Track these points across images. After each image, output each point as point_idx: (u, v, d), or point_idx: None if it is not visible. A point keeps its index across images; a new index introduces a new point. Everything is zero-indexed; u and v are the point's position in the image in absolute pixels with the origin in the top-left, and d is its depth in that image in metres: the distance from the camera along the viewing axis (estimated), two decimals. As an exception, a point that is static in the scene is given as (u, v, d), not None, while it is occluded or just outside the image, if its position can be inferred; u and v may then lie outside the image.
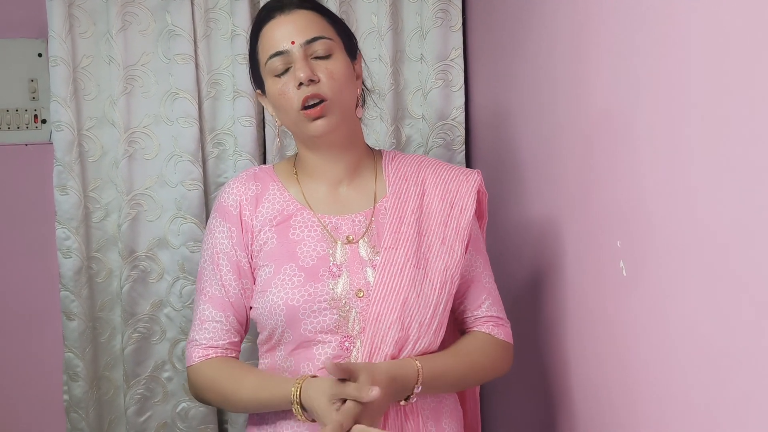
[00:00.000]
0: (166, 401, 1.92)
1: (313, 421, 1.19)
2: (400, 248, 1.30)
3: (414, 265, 1.29)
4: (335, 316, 1.26)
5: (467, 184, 1.37)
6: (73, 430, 1.88)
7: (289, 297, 1.26)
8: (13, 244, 1.98)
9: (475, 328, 1.39)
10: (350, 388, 1.14)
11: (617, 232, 1.18)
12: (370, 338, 1.25)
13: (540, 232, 1.55)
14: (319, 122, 1.27)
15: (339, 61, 1.30)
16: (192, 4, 1.86)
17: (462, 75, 1.99)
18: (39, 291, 1.98)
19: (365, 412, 1.15)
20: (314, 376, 1.23)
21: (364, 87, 1.39)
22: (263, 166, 1.44)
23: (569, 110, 1.37)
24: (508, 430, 1.84)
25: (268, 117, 1.91)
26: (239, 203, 1.35)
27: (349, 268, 1.28)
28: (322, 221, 1.33)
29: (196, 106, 1.87)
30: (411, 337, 1.27)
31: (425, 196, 1.36)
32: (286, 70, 1.28)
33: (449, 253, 1.32)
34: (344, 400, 1.15)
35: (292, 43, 1.27)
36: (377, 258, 1.29)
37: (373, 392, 1.13)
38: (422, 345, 1.27)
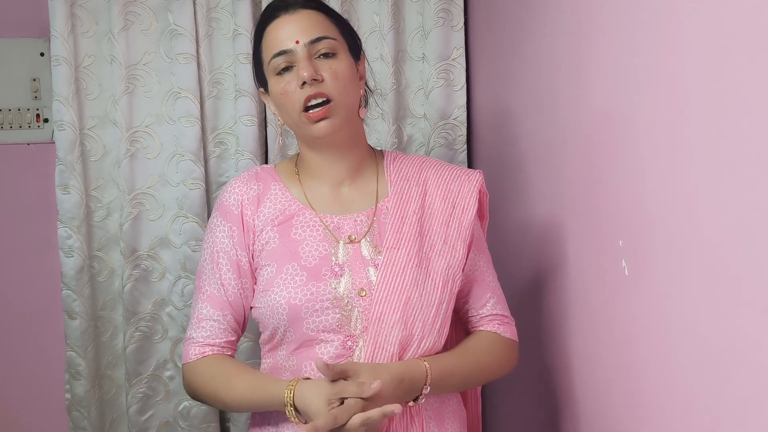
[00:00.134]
0: (167, 400, 1.93)
1: (306, 423, 1.18)
2: (402, 248, 1.30)
3: (416, 265, 1.29)
4: (338, 316, 1.26)
5: (469, 184, 1.38)
6: (75, 428, 1.88)
7: (291, 296, 1.26)
8: (15, 243, 1.98)
9: (481, 327, 1.39)
10: (351, 386, 1.15)
11: (619, 231, 1.18)
12: (373, 337, 1.25)
13: (542, 231, 1.55)
14: (322, 123, 1.27)
15: (343, 61, 1.30)
16: (194, 3, 1.86)
17: (464, 74, 1.99)
18: (41, 290, 1.98)
19: (368, 408, 1.15)
20: (307, 378, 1.22)
21: (366, 87, 1.39)
22: (265, 165, 1.44)
23: (570, 110, 1.37)
24: (510, 429, 1.84)
25: (269, 116, 1.91)
26: (241, 203, 1.35)
27: (352, 268, 1.29)
28: (324, 221, 1.33)
29: (198, 106, 1.87)
30: (415, 337, 1.27)
31: (427, 196, 1.37)
32: (290, 70, 1.29)
33: (451, 253, 1.32)
34: (342, 401, 1.15)
35: (297, 42, 1.27)
36: (379, 257, 1.30)
37: (374, 385, 1.13)
38: (427, 345, 1.28)
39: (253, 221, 1.34)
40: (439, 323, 1.29)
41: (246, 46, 1.84)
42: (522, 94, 1.65)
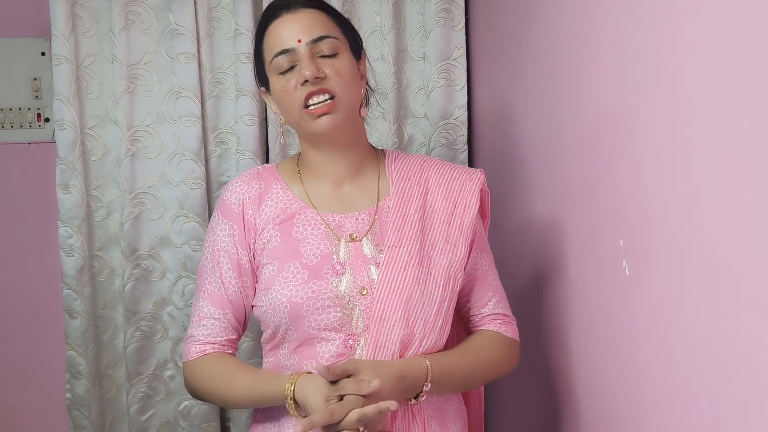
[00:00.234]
0: (168, 399, 1.93)
1: (305, 417, 1.19)
2: (404, 246, 1.30)
3: (417, 264, 1.29)
4: (339, 314, 1.26)
5: (470, 183, 1.38)
6: (75, 428, 1.88)
7: (292, 294, 1.26)
8: (16, 243, 1.98)
9: (482, 327, 1.39)
10: (350, 383, 1.15)
11: (620, 231, 1.18)
12: (375, 336, 1.25)
13: (542, 230, 1.55)
14: (324, 119, 1.27)
15: (345, 60, 1.30)
16: (195, 3, 1.86)
17: (464, 74, 1.99)
18: (41, 289, 1.98)
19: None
20: (309, 373, 1.23)
21: (367, 86, 1.40)
22: (266, 165, 1.44)
23: (572, 109, 1.37)
24: (511, 428, 1.84)
25: (270, 115, 1.91)
26: (242, 202, 1.35)
27: (353, 266, 1.29)
28: (325, 219, 1.33)
29: (199, 105, 1.88)
30: (416, 335, 1.27)
31: (428, 195, 1.37)
32: (292, 68, 1.29)
33: (453, 252, 1.32)
34: (341, 398, 1.15)
35: (299, 41, 1.28)
36: (381, 256, 1.30)
37: (374, 383, 1.13)
38: (428, 343, 1.28)
39: (255, 220, 1.34)
40: (440, 322, 1.29)
41: (247, 45, 1.84)
42: (523, 94, 1.65)
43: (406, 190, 1.36)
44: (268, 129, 1.93)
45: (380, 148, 1.47)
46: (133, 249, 1.87)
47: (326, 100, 1.26)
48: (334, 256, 1.29)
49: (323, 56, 1.29)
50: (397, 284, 1.27)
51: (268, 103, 1.41)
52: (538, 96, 1.56)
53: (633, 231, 1.14)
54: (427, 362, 1.25)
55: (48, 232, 1.94)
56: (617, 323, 1.22)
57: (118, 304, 1.92)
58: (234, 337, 1.35)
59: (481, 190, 1.39)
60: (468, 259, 1.36)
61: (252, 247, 1.34)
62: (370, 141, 1.44)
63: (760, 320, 0.83)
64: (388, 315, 1.26)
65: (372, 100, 1.45)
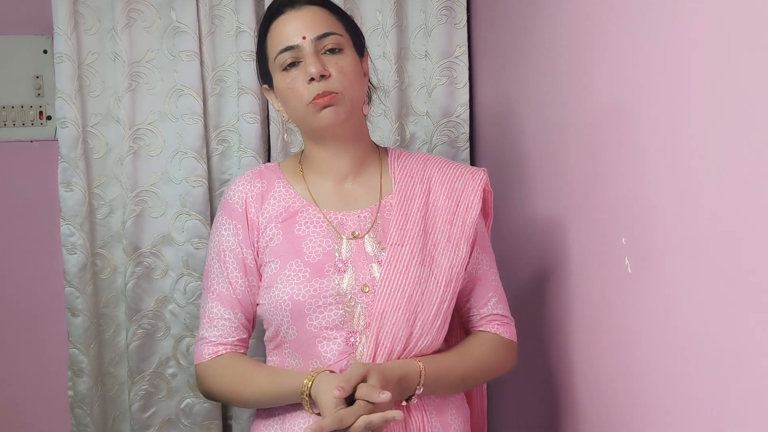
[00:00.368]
0: (170, 397, 1.93)
1: (318, 414, 1.20)
2: (406, 245, 1.30)
3: (419, 263, 1.29)
4: (341, 312, 1.26)
5: (473, 183, 1.38)
6: (77, 425, 1.88)
7: (294, 292, 1.26)
8: (18, 241, 1.98)
9: (481, 328, 1.39)
10: (361, 389, 1.15)
11: (622, 228, 1.18)
12: (375, 333, 1.25)
13: (545, 228, 1.55)
14: (327, 111, 1.27)
15: (349, 57, 1.30)
16: (197, 0, 1.86)
17: (466, 72, 1.98)
18: (44, 287, 1.99)
19: (374, 412, 1.15)
20: (332, 371, 1.23)
21: (370, 84, 1.40)
22: (268, 163, 1.44)
23: (574, 107, 1.37)
24: (513, 426, 1.84)
25: (272, 114, 1.91)
26: (245, 200, 1.35)
27: (355, 264, 1.29)
28: (327, 217, 1.33)
29: (201, 103, 1.88)
30: (414, 334, 1.27)
31: (431, 194, 1.37)
32: (296, 65, 1.29)
33: (455, 252, 1.32)
34: (350, 401, 1.15)
35: (303, 38, 1.28)
36: (383, 254, 1.30)
37: (384, 396, 1.13)
38: (425, 343, 1.28)
39: (258, 218, 1.34)
40: (439, 322, 1.29)
41: (249, 43, 1.84)
42: (525, 92, 1.65)
43: (409, 188, 1.36)
44: (270, 127, 1.93)
45: (382, 146, 1.47)
46: (135, 247, 1.88)
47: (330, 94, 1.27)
48: (336, 254, 1.29)
49: (327, 53, 1.29)
50: (399, 282, 1.27)
51: (270, 101, 1.41)
52: (540, 94, 1.56)
53: (635, 229, 1.14)
54: (421, 365, 1.25)
55: (50, 230, 1.94)
56: (619, 321, 1.21)
57: (120, 302, 1.92)
58: (245, 336, 1.36)
59: (484, 190, 1.39)
60: (469, 259, 1.36)
61: (256, 245, 1.34)
62: (372, 139, 1.44)
63: (763, 319, 0.83)
64: (389, 313, 1.26)
65: (374, 97, 1.45)
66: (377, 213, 1.34)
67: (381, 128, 1.97)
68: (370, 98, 1.40)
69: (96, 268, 1.88)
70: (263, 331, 1.38)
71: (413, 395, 1.25)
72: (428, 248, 1.32)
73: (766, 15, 0.79)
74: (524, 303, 1.63)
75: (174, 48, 1.87)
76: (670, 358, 1.05)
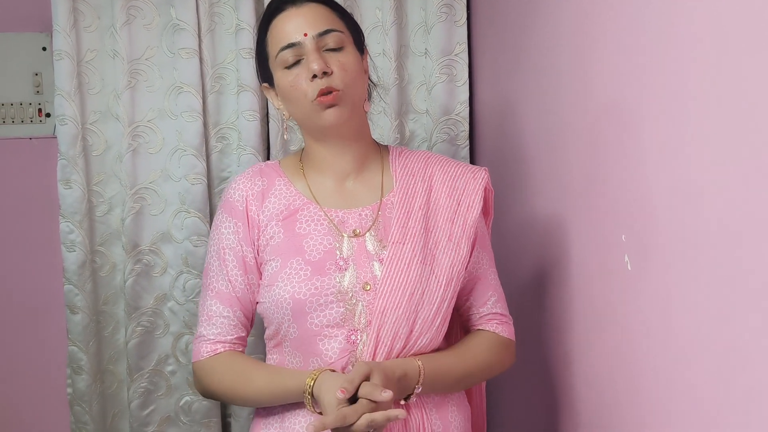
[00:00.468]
0: (169, 395, 1.93)
1: (320, 413, 1.19)
2: (408, 243, 1.30)
3: (421, 261, 1.29)
4: (342, 309, 1.26)
5: (474, 182, 1.37)
6: (76, 423, 1.88)
7: (295, 290, 1.26)
8: (17, 238, 1.98)
9: (479, 327, 1.39)
10: (364, 387, 1.15)
11: (622, 226, 1.18)
12: (376, 331, 1.25)
13: (544, 226, 1.55)
14: (331, 111, 1.27)
15: (350, 54, 1.30)
16: (196, -2, 1.86)
17: (466, 70, 1.98)
18: (43, 284, 1.98)
19: (375, 411, 1.15)
20: (333, 370, 1.23)
21: (370, 81, 1.39)
22: (269, 161, 1.44)
23: (574, 105, 1.37)
24: (513, 424, 1.84)
25: (272, 111, 1.91)
26: (245, 199, 1.35)
27: (356, 262, 1.29)
28: (328, 215, 1.33)
29: (200, 101, 1.87)
30: (414, 333, 1.27)
31: (432, 193, 1.36)
32: (297, 63, 1.28)
33: (455, 250, 1.32)
34: (352, 399, 1.15)
35: (305, 35, 1.27)
36: (384, 252, 1.30)
37: (386, 394, 1.13)
38: (424, 341, 1.28)
39: (258, 216, 1.34)
40: (439, 321, 1.29)
41: (248, 40, 1.84)
42: (525, 90, 1.65)
43: (410, 186, 1.36)
44: (270, 125, 1.93)
45: (383, 144, 1.47)
46: (135, 244, 1.87)
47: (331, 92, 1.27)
48: (338, 252, 1.29)
49: (329, 50, 1.28)
50: (401, 281, 1.27)
51: (269, 99, 1.41)
52: (540, 92, 1.56)
53: (635, 226, 1.14)
54: (420, 364, 1.25)
55: (49, 227, 1.94)
56: (619, 318, 1.22)
57: (119, 300, 1.92)
58: (243, 334, 1.35)
59: (485, 189, 1.39)
60: (470, 258, 1.36)
61: (256, 243, 1.34)
62: (372, 137, 1.44)
63: (764, 317, 0.83)
64: (389, 311, 1.26)
65: (374, 94, 1.45)
66: (378, 211, 1.34)
67: (380, 126, 1.97)
68: (370, 95, 1.40)
69: (95, 265, 1.88)
70: (263, 329, 1.38)
71: (412, 394, 1.25)
72: (429, 247, 1.31)
73: (766, 13, 0.79)
74: (524, 301, 1.63)
75: (173, 45, 1.86)
76: (669, 356, 1.05)
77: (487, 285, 1.40)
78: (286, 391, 1.24)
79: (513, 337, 1.41)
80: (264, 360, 1.40)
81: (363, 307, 1.26)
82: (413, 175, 1.38)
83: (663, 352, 1.07)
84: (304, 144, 1.40)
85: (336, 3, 1.36)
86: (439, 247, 1.32)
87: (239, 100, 1.89)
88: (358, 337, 1.26)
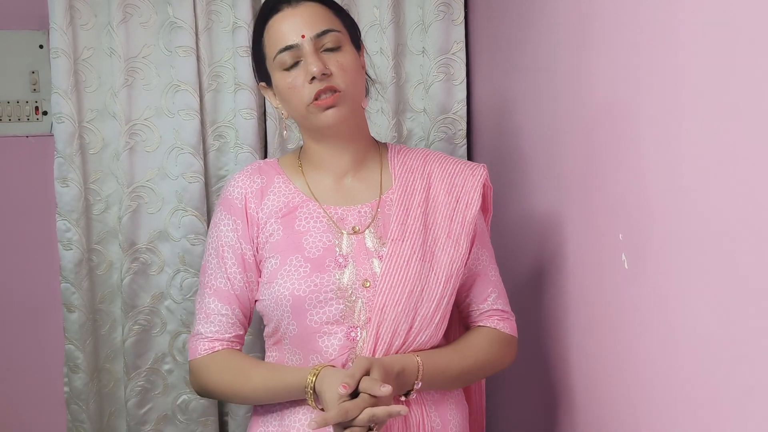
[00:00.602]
0: (166, 393, 1.93)
1: (322, 409, 1.19)
2: (407, 240, 1.30)
3: (420, 258, 1.29)
4: (341, 306, 1.26)
5: (473, 179, 1.37)
6: (73, 421, 1.88)
7: (295, 288, 1.26)
8: (14, 236, 1.98)
9: (480, 323, 1.39)
10: (364, 382, 1.15)
11: (619, 224, 1.18)
12: (375, 327, 1.25)
13: (542, 225, 1.55)
14: (331, 112, 1.27)
15: (348, 54, 1.30)
16: (193, -4, 1.86)
17: (464, 69, 1.98)
18: (40, 283, 1.98)
19: (376, 405, 1.15)
20: (333, 367, 1.23)
21: (367, 77, 1.39)
22: (267, 159, 1.44)
23: (571, 103, 1.37)
24: (511, 422, 1.84)
25: (269, 109, 1.91)
26: (244, 196, 1.35)
27: (356, 259, 1.29)
28: (327, 212, 1.33)
29: (198, 99, 1.87)
30: (413, 329, 1.27)
31: (431, 190, 1.36)
32: (296, 64, 1.28)
33: (455, 247, 1.32)
34: (353, 395, 1.15)
35: (302, 36, 1.27)
36: (383, 249, 1.29)
37: (385, 389, 1.13)
38: (423, 338, 1.28)
39: (257, 214, 1.34)
40: (438, 317, 1.29)
41: (246, 39, 1.84)
42: (522, 89, 1.65)
43: (409, 184, 1.36)
44: (267, 123, 1.92)
45: (381, 141, 1.47)
46: (132, 243, 1.87)
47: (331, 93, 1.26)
48: (337, 249, 1.29)
49: (327, 50, 1.28)
50: (400, 278, 1.27)
51: (267, 98, 1.40)
52: (537, 90, 1.56)
53: (632, 225, 1.14)
54: (419, 360, 1.25)
55: (46, 225, 1.94)
56: (616, 316, 1.22)
57: (116, 298, 1.91)
58: (241, 332, 1.35)
59: (484, 186, 1.39)
60: (469, 255, 1.36)
61: (255, 241, 1.33)
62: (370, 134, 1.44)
63: (761, 315, 0.83)
64: (389, 308, 1.26)
65: (372, 90, 1.45)
66: (377, 208, 1.34)
67: (378, 125, 1.97)
68: (367, 92, 1.39)
69: (92, 263, 1.88)
70: (261, 327, 1.38)
71: (412, 390, 1.25)
72: (428, 244, 1.31)
73: (765, 13, 0.79)
74: (521, 298, 1.63)
75: (170, 43, 1.86)
76: (666, 354, 1.05)
77: (487, 282, 1.40)
78: (286, 388, 1.24)
79: (515, 333, 1.41)
80: (262, 358, 1.40)
81: (362, 304, 1.26)
82: (412, 173, 1.38)
83: (659, 350, 1.07)
84: (302, 142, 1.40)
85: (331, 1, 1.35)
86: (439, 244, 1.32)
87: (236, 98, 1.89)
88: (358, 333, 1.26)
